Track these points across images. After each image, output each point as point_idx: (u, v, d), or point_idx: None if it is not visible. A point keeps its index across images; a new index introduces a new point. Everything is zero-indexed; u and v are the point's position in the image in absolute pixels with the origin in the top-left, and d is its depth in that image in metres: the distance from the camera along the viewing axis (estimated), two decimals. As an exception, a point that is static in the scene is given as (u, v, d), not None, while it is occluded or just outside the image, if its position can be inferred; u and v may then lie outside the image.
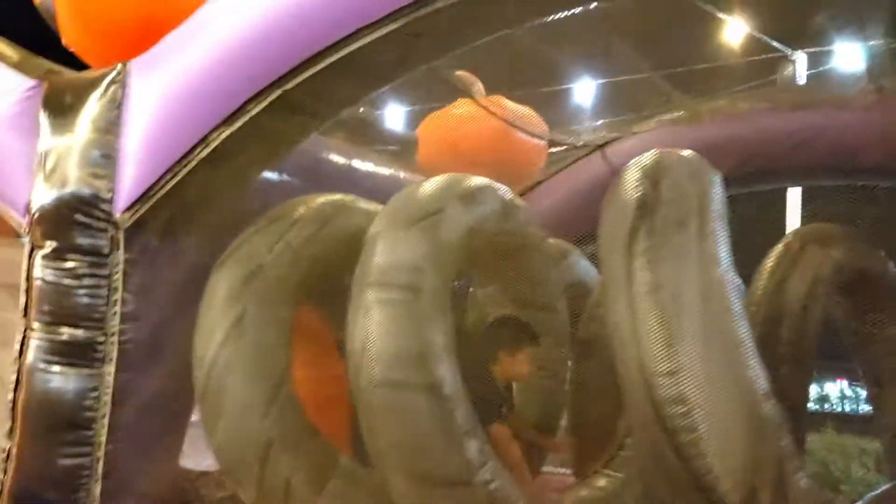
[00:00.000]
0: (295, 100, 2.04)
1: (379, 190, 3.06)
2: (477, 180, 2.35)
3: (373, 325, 1.92)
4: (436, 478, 1.87)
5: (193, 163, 2.13)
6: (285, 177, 2.86)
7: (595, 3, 2.36)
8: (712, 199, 1.86)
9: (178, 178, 2.15)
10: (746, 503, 1.55)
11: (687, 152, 2.05)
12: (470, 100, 4.36)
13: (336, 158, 3.27)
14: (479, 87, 4.56)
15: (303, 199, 2.37)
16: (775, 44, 6.24)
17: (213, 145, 2.11)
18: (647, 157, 1.98)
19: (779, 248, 2.69)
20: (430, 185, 2.23)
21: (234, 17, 2.07)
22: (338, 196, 2.44)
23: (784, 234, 3.50)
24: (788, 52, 6.46)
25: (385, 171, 3.70)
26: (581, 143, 4.01)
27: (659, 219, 1.78)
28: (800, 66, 5.97)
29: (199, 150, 2.12)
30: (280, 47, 2.02)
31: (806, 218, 5.59)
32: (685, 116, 3.58)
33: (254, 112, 2.07)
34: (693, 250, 1.75)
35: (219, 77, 2.07)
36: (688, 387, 1.58)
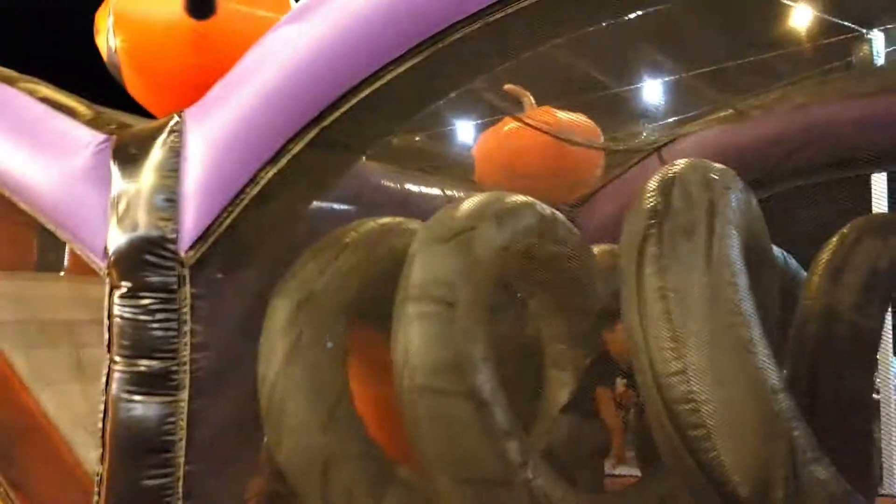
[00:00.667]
0: (331, 137, 2.18)
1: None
2: (514, 198, 2.43)
3: (412, 336, 2.03)
4: (479, 479, 1.96)
5: (245, 201, 2.30)
6: (345, 206, 3.03)
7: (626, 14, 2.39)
8: (724, 206, 1.87)
9: (234, 216, 2.32)
10: (758, 496, 1.56)
11: (707, 162, 2.08)
12: (519, 116, 4.44)
13: (394, 184, 3.42)
14: (528, 99, 4.63)
15: (353, 226, 2.51)
16: (848, 24, 6.03)
17: (261, 184, 2.27)
18: (666, 169, 2.01)
19: (834, 240, 2.65)
20: (467, 204, 2.33)
21: (271, 65, 2.23)
22: (385, 219, 2.56)
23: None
24: (863, 31, 6.21)
25: (440, 192, 3.82)
26: (636, 147, 4.00)
27: (668, 227, 1.82)
28: (877, 44, 5.73)
29: (249, 189, 2.28)
30: (314, 89, 2.16)
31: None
32: (736, 114, 3.54)
33: (295, 150, 2.22)
34: (701, 255, 1.77)
35: (261, 120, 2.23)
36: (695, 385, 1.61)
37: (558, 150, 4.03)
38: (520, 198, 2.46)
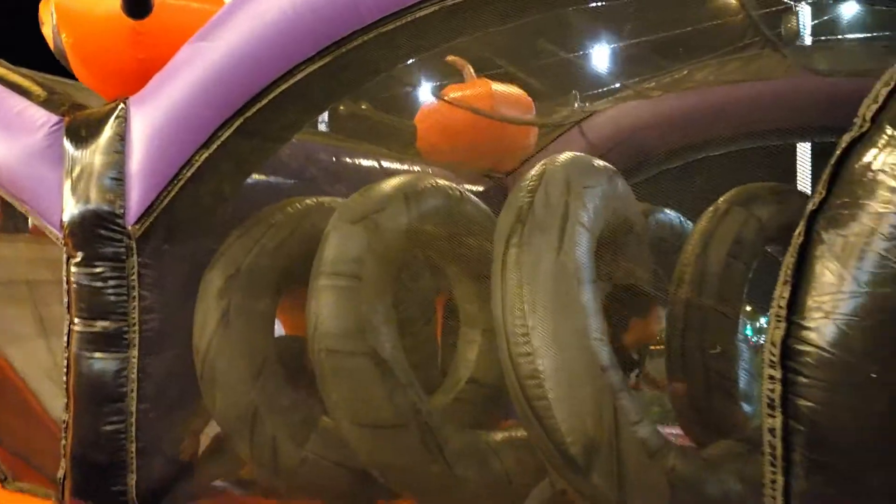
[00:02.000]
0: (254, 126, 2.47)
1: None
2: (424, 181, 2.73)
3: (322, 306, 2.37)
4: (377, 424, 2.33)
5: (183, 181, 2.60)
6: (289, 181, 3.33)
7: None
8: (577, 207, 2.17)
9: (173, 194, 2.62)
10: (587, 453, 1.94)
11: (575, 159, 2.39)
12: (458, 85, 4.72)
13: (333, 158, 3.71)
14: (468, 70, 4.90)
15: (279, 205, 2.81)
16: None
17: (196, 166, 2.57)
18: (536, 167, 2.32)
19: (710, 210, 2.97)
20: (378, 187, 2.63)
21: (202, 59, 2.50)
22: (311, 199, 2.87)
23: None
24: (792, 3, 6.48)
25: (384, 163, 4.11)
26: (558, 121, 4.28)
27: (528, 225, 2.14)
28: (804, 16, 6.00)
29: (185, 170, 2.58)
30: (239, 84, 2.45)
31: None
32: (651, 89, 3.84)
33: (224, 137, 2.52)
34: (552, 252, 2.09)
35: (194, 110, 2.52)
36: (540, 364, 1.97)
37: (491, 122, 4.31)
38: (430, 181, 2.76)
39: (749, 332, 3.17)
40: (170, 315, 2.75)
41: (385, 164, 3.99)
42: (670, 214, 3.67)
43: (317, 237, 2.64)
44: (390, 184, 2.67)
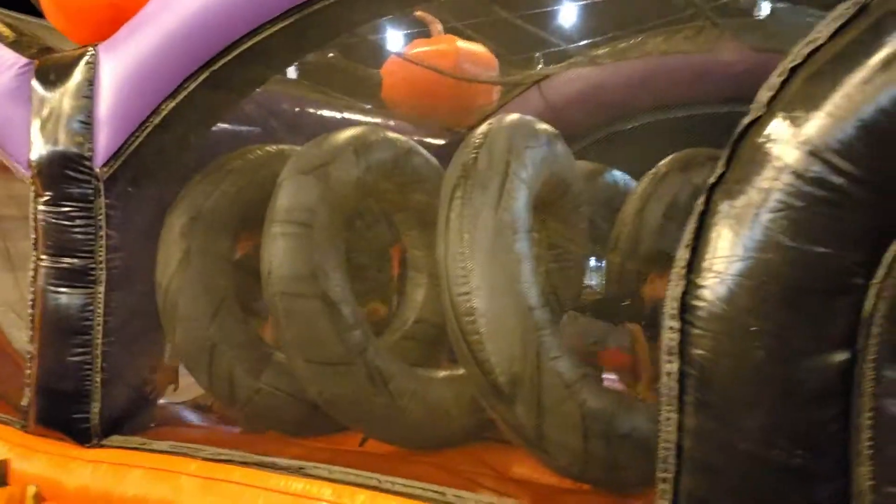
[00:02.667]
0: (220, 79, 2.60)
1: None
2: (373, 134, 2.89)
3: (275, 252, 2.55)
4: (326, 360, 2.53)
5: (150, 128, 2.72)
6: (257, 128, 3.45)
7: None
8: (517, 166, 2.36)
9: (140, 139, 2.75)
10: (512, 384, 2.16)
11: (518, 121, 2.56)
12: (425, 40, 4.83)
13: (297, 108, 3.83)
14: (436, 26, 5.00)
15: (239, 153, 2.95)
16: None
17: (163, 114, 2.70)
18: (483, 126, 2.49)
19: (649, 173, 3.18)
20: (331, 137, 2.78)
21: (173, 12, 2.61)
22: (270, 147, 3.01)
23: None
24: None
25: (347, 114, 4.24)
26: (518, 80, 4.43)
27: (471, 181, 2.32)
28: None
29: (152, 118, 2.71)
30: (206, 37, 2.57)
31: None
32: (609, 54, 4.00)
33: (190, 88, 2.64)
34: (491, 206, 2.28)
35: (162, 60, 2.63)
36: (475, 302, 2.18)
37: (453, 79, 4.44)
38: (380, 134, 2.91)
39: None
40: (135, 254, 2.90)
41: (347, 115, 4.11)
42: (617, 175, 3.88)
43: (274, 184, 2.79)
44: (341, 136, 2.82)
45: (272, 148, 3.01)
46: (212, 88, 2.63)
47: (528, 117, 2.71)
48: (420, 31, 5.56)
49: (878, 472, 1.62)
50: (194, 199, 2.83)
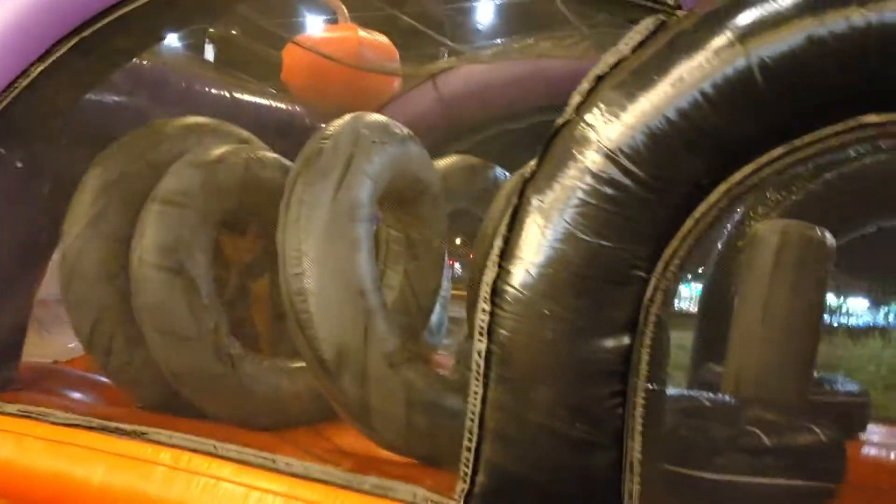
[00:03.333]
0: (90, 46, 2.63)
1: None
2: (264, 156, 3.01)
3: (148, 225, 2.63)
4: (176, 333, 2.62)
5: (18, 90, 2.73)
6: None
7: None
8: (362, 159, 2.49)
9: (6, 101, 2.75)
10: (338, 359, 2.31)
11: (371, 119, 2.70)
12: (329, 26, 4.90)
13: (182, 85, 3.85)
14: (342, 12, 5.08)
15: (167, 122, 3.02)
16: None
17: (31, 77, 2.71)
18: (339, 121, 2.62)
19: (518, 172, 3.34)
20: (226, 146, 2.98)
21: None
22: (199, 120, 3.09)
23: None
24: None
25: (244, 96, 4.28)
26: (415, 73, 4.55)
27: (313, 168, 2.44)
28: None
29: (21, 80, 2.71)
30: (79, 3, 2.60)
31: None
32: (498, 53, 4.16)
33: (60, 53, 2.66)
34: (329, 194, 2.40)
35: (32, 22, 2.65)
36: (306, 282, 2.31)
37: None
38: (269, 156, 3.04)
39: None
40: (4, 210, 2.91)
41: (240, 95, 4.15)
42: (498, 172, 4.05)
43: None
44: (235, 149, 2.94)
45: (203, 121, 3.09)
46: (82, 54, 2.65)
47: (382, 117, 2.83)
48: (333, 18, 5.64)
49: (645, 447, 1.81)
50: (116, 161, 2.87)
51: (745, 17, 1.65)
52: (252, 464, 2.23)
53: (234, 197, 2.87)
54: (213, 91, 3.84)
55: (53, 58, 2.68)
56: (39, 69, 2.70)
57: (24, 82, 2.73)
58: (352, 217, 2.40)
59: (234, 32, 4.77)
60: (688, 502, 2.14)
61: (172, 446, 2.35)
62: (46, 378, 3.33)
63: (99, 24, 2.60)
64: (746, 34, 1.64)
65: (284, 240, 2.37)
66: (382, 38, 4.87)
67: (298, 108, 4.67)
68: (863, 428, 3.13)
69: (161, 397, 2.98)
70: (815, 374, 3.49)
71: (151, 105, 3.48)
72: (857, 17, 1.52)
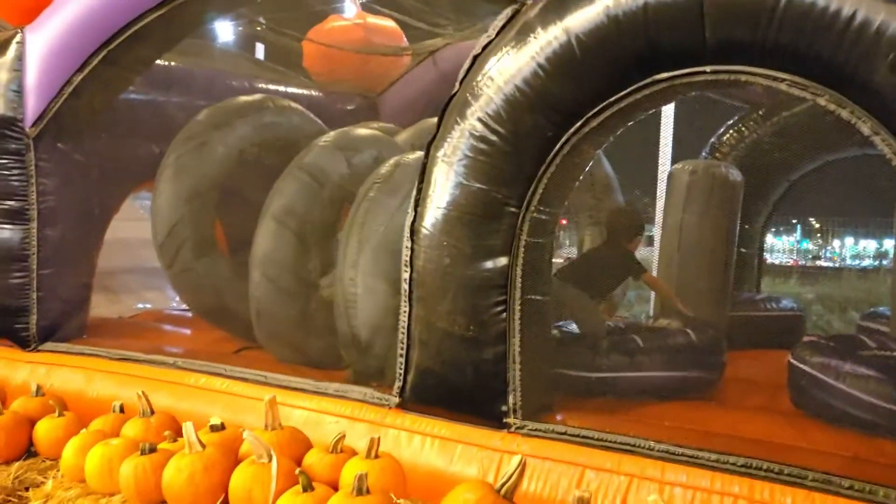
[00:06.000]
0: (115, 57, 3.30)
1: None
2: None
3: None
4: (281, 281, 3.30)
5: (65, 96, 3.42)
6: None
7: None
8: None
9: (58, 105, 3.45)
10: (369, 342, 2.92)
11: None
12: (340, 16, 5.46)
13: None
14: (355, 1, 5.63)
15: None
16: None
17: (74, 84, 3.39)
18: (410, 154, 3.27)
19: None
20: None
21: (78, 1, 3.30)
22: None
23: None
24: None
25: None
26: (417, 50, 5.05)
27: (381, 190, 3.10)
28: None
29: (66, 88, 3.40)
30: (105, 21, 3.25)
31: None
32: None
33: (94, 63, 3.33)
34: (391, 213, 3.01)
35: (71, 40, 3.32)
36: (355, 290, 2.96)
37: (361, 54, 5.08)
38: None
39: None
40: (61, 197, 3.63)
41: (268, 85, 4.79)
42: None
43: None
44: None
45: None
46: (109, 64, 3.32)
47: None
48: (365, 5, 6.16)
49: (523, 343, 2.33)
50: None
51: (565, 3, 2.12)
52: (248, 380, 2.90)
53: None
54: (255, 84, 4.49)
55: (89, 69, 3.35)
56: (79, 78, 3.38)
57: (69, 90, 3.42)
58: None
59: (259, 28, 5.38)
60: (575, 394, 2.63)
61: (194, 370, 3.05)
62: (112, 329, 4.08)
63: (121, 38, 3.25)
64: (566, 17, 2.11)
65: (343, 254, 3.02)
66: (389, 23, 5.39)
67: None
68: (799, 337, 3.47)
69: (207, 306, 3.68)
70: (760, 294, 3.91)
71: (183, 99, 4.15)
72: (639, -2, 1.98)
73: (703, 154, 4.35)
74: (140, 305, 5.19)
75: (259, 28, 5.45)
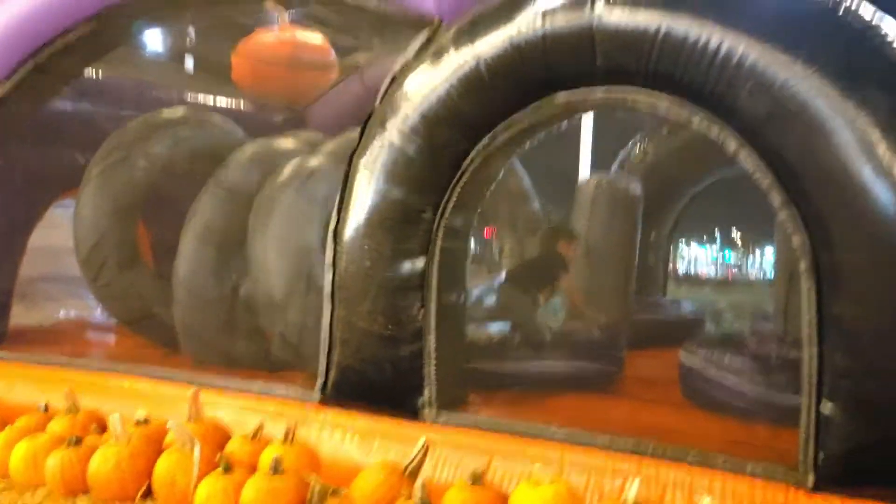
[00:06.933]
0: (45, 66, 3.36)
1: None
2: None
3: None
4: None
5: (-7, 105, 3.47)
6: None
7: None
8: None
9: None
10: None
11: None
12: (267, 28, 5.58)
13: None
14: (282, 16, 5.75)
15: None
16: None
17: (1, 93, 3.44)
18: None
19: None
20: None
21: (9, 10, 3.34)
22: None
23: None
24: None
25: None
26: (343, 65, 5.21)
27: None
28: None
29: (-7, 96, 3.45)
30: (34, 32, 3.32)
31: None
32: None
33: (24, 72, 3.39)
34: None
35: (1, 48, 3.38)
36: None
37: (293, 63, 5.19)
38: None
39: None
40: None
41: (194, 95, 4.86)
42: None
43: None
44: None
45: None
46: (39, 73, 3.38)
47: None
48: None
49: (438, 341, 2.52)
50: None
51: (475, 31, 2.34)
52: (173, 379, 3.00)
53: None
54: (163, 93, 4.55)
55: (19, 76, 3.40)
56: (7, 86, 3.42)
57: (-3, 95, 3.46)
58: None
59: (189, 40, 5.45)
60: (487, 386, 2.83)
61: (119, 372, 3.14)
62: (33, 336, 4.09)
63: (50, 50, 3.32)
64: (476, 42, 2.32)
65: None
66: (317, 38, 5.52)
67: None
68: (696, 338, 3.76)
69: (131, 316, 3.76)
70: (663, 298, 4.22)
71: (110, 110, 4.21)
72: (537, 26, 2.21)
73: (615, 167, 4.65)
74: (62, 313, 5.16)
75: (188, 40, 5.52)
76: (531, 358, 2.90)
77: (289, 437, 2.43)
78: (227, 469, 2.21)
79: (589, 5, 2.14)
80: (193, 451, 2.24)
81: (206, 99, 5.04)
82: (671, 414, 2.62)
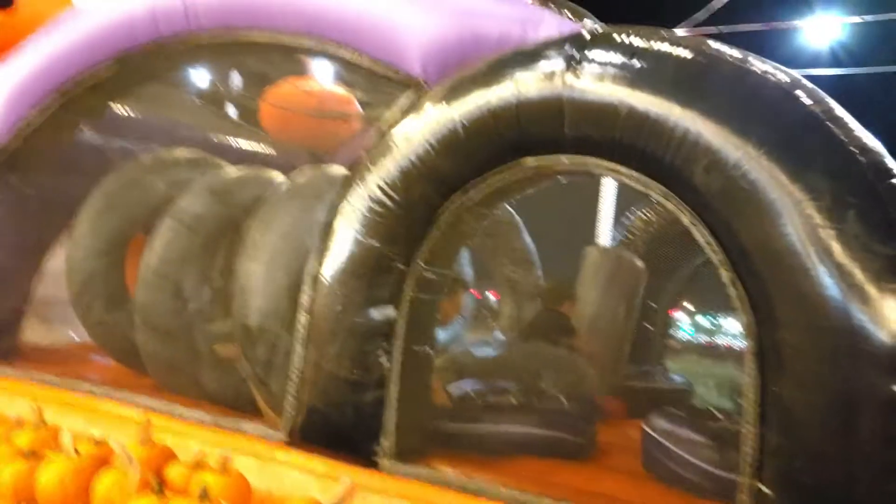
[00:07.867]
0: (71, 104, 3.58)
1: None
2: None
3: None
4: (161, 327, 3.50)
5: (23, 135, 3.68)
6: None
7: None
8: None
9: (15, 145, 3.70)
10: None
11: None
12: (294, 78, 5.81)
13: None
14: (310, 67, 5.98)
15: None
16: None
17: (33, 126, 3.66)
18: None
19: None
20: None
21: (38, 50, 3.58)
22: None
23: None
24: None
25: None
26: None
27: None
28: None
29: (23, 129, 3.66)
30: (61, 71, 3.54)
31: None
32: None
33: (53, 108, 3.61)
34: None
35: (29, 86, 3.60)
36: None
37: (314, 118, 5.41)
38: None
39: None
40: (12, 222, 3.86)
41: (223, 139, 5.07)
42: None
43: None
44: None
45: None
46: (63, 110, 3.59)
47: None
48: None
49: (401, 390, 2.56)
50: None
51: (455, 93, 2.45)
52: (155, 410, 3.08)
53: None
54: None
55: (48, 113, 3.62)
56: (39, 120, 3.64)
57: (27, 132, 3.68)
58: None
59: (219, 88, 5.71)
60: (446, 442, 2.84)
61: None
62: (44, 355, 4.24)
63: (78, 85, 3.53)
64: (455, 105, 2.43)
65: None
66: (339, 90, 5.74)
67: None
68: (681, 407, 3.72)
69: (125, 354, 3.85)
70: (651, 367, 4.20)
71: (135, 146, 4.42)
72: (511, 92, 2.30)
73: (619, 237, 4.69)
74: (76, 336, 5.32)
75: (219, 87, 5.77)
76: (495, 420, 2.92)
77: (223, 466, 2.47)
78: (158, 491, 2.27)
79: (560, 77, 2.23)
80: (131, 472, 2.32)
81: (234, 142, 5.22)
82: (627, 484, 2.60)
